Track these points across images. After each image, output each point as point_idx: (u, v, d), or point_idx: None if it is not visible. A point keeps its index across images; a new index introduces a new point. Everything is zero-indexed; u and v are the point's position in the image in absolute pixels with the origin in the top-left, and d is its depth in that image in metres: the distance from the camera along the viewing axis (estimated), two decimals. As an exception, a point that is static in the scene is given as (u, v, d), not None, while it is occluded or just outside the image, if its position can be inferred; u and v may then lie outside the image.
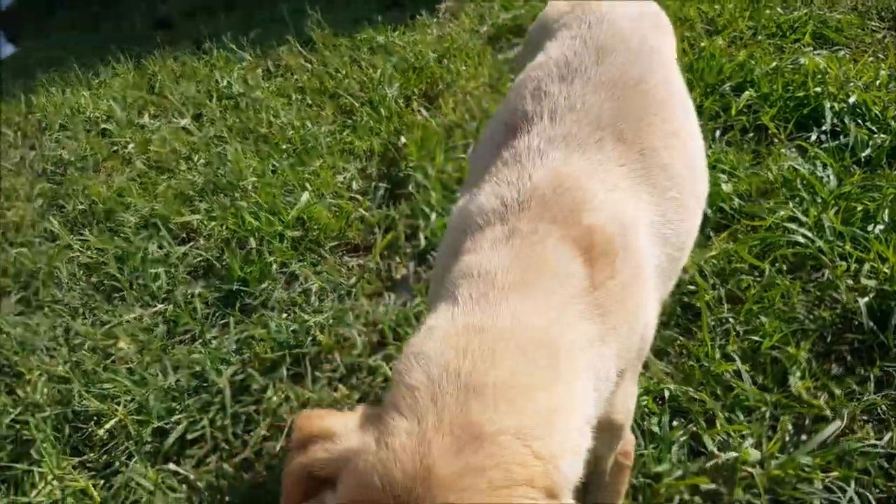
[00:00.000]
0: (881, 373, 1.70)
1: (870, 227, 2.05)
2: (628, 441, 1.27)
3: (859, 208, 2.13)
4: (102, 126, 3.33)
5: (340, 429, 0.73)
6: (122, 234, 2.47)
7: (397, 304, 2.10)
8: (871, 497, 1.44)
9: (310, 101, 3.43)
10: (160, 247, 2.38)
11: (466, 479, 0.65)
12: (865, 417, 1.63)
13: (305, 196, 2.51)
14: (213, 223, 2.46)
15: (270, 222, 2.39)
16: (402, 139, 2.92)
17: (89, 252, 2.41)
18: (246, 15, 4.76)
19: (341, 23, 4.30)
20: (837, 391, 1.66)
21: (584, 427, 0.79)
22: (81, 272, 2.34)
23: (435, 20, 4.29)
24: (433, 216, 2.42)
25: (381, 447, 0.68)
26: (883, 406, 1.63)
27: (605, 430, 0.94)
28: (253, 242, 2.30)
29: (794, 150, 2.51)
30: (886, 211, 2.07)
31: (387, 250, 2.35)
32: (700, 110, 2.78)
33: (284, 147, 2.96)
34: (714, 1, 3.76)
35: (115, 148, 3.13)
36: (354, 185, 2.71)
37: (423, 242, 2.35)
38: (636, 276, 0.94)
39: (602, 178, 0.98)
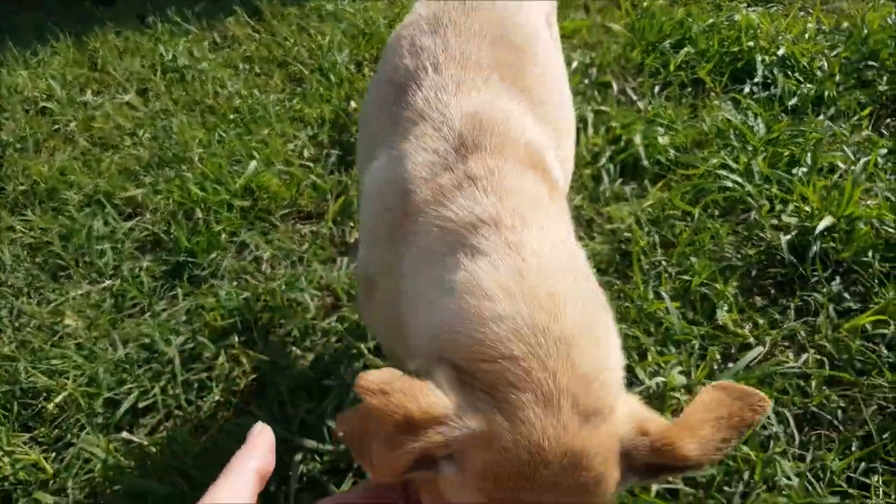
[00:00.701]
0: (801, 302, 1.78)
1: (794, 171, 2.13)
2: None
3: (786, 153, 2.21)
4: (42, 105, 3.26)
5: (444, 411, 0.70)
6: (65, 213, 2.44)
7: (351, 268, 2.12)
8: (788, 414, 1.53)
9: (258, 71, 3.40)
10: (105, 223, 2.37)
11: (595, 431, 0.70)
12: (786, 343, 1.72)
13: (253, 165, 2.51)
14: (159, 196, 2.46)
15: (217, 192, 2.39)
16: (353, 104, 2.92)
17: (32, 232, 2.38)
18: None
19: (286, -6, 4.25)
20: (761, 321, 1.75)
21: None
22: (25, 253, 2.32)
23: (382, -14, 4.27)
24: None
25: (517, 422, 0.68)
26: (802, 332, 1.72)
27: None
28: (200, 213, 2.30)
29: (728, 102, 2.58)
30: (809, 154, 2.15)
31: (339, 216, 2.36)
32: (640, 68, 2.83)
33: (232, 117, 2.94)
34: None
35: (57, 127, 3.07)
36: (305, 153, 2.71)
37: (371, 206, 2.37)
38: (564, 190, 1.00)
39: (507, 106, 1.02)
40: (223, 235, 2.24)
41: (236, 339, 1.88)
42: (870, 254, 1.85)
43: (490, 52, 1.10)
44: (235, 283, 2.09)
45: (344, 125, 2.79)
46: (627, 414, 0.73)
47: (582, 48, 3.12)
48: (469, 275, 0.81)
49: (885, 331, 1.65)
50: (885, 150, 2.22)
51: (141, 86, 3.35)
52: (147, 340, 1.91)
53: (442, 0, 1.21)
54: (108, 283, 2.16)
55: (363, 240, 1.13)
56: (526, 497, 0.67)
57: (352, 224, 2.30)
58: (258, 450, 0.68)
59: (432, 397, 0.70)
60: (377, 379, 0.69)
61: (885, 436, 1.47)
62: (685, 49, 2.82)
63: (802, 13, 3.22)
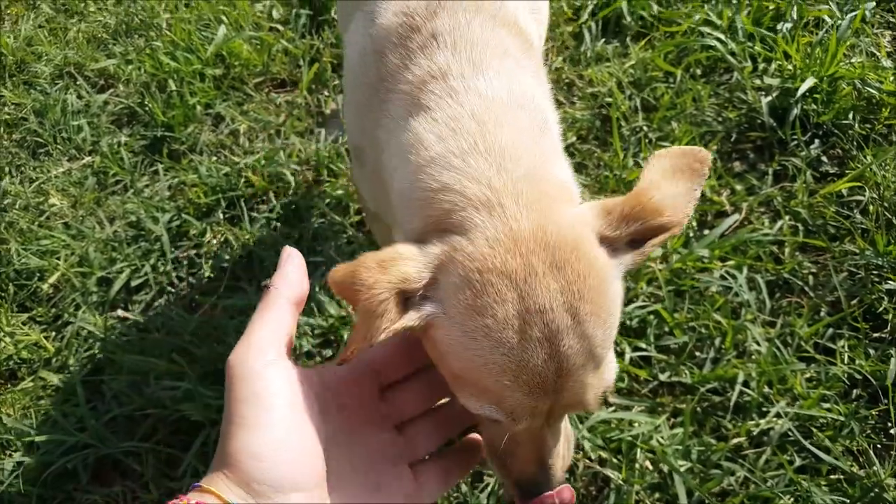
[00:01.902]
0: (779, 167, 1.75)
1: (779, 26, 2.01)
2: None
3: (771, 6, 2.07)
4: (-1, -33, 2.99)
5: (409, 251, 0.71)
6: (37, 87, 2.29)
7: (329, 140, 2.04)
8: (760, 280, 1.53)
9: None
10: (79, 97, 2.23)
11: (549, 212, 0.70)
12: (762, 209, 1.70)
13: (223, 30, 2.34)
14: (131, 67, 2.30)
15: (189, 61, 2.24)
16: (320, -41, 2.69)
17: (7, 109, 2.25)
18: None
19: None
20: (739, 187, 1.71)
21: None
22: (2, 130, 2.20)
23: None
24: (357, 43, 2.29)
25: (471, 232, 0.69)
26: (779, 197, 1.69)
27: None
28: (173, 85, 2.17)
29: (714, -52, 2.39)
30: (795, 8, 2.02)
31: (314, 84, 2.24)
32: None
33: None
34: None
35: (17, -10, 2.83)
36: (275, 14, 2.52)
37: (349, 72, 2.24)
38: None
39: None
40: (198, 108, 2.13)
41: (221, 216, 1.83)
42: (850, 115, 1.79)
43: None
44: (215, 157, 2.01)
45: (314, -18, 2.58)
46: (587, 205, 0.74)
47: None
48: (412, 134, 0.80)
49: (861, 197, 1.63)
50: (872, 4, 2.09)
51: (98, -58, 3.05)
52: (133, 218, 1.86)
53: None
54: (88, 159, 2.07)
55: (347, 111, 1.08)
56: (526, 300, 0.66)
57: (327, 93, 2.19)
58: (288, 277, 0.69)
59: (398, 248, 0.71)
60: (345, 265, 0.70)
61: (853, 302, 1.49)
62: None
63: None
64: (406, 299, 0.69)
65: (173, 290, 1.72)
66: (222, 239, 1.78)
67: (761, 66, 1.93)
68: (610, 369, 0.73)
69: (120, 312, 1.68)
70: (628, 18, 2.17)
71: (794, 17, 2.03)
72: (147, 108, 2.15)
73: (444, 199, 0.72)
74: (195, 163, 1.96)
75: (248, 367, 0.64)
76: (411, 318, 0.68)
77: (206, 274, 1.72)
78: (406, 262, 0.69)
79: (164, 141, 2.07)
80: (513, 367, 0.67)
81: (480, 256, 0.67)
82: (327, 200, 1.85)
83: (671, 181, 0.72)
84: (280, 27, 2.44)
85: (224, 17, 2.42)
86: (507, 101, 0.79)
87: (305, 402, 0.65)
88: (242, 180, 1.90)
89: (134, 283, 1.72)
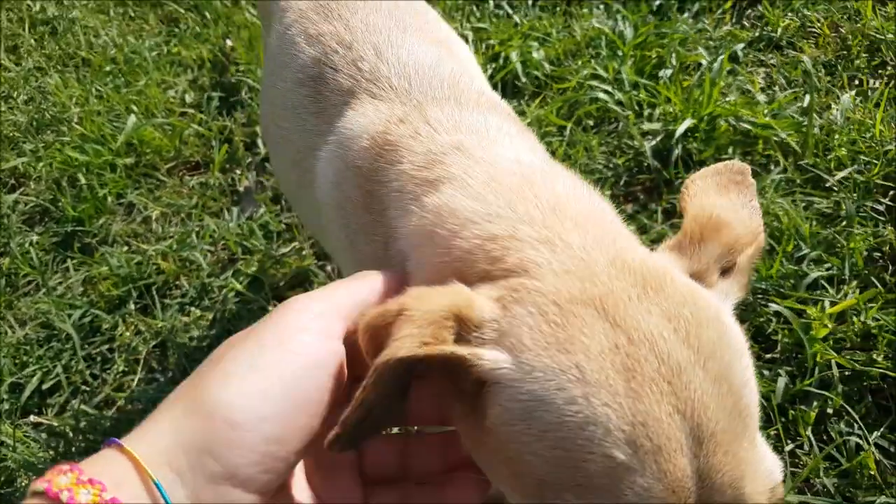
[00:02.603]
0: (668, 205, 1.80)
1: (661, 73, 2.11)
2: None
3: (653, 56, 2.17)
4: None
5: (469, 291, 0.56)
6: (-54, 192, 2.26)
7: (243, 218, 2.03)
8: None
9: (131, 14, 3.12)
10: (-11, 199, 2.20)
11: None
12: (655, 246, 1.74)
13: (132, 119, 2.34)
14: (41, 164, 2.28)
15: (99, 153, 2.23)
16: (230, 42, 2.73)
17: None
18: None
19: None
20: (632, 228, 1.75)
21: None
22: (-90, 239, 2.15)
23: None
24: (268, 121, 2.31)
25: (550, 259, 0.56)
26: (669, 234, 1.73)
27: None
28: (83, 178, 2.15)
29: (601, 6, 2.50)
30: (674, 55, 2.12)
31: (227, 163, 2.25)
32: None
33: (108, 69, 2.71)
34: None
35: (-73, 96, 2.79)
36: (187, 98, 2.54)
37: (262, 149, 2.26)
38: None
39: (437, 56, 0.95)
40: (109, 199, 2.11)
41: (132, 306, 1.80)
42: (730, 150, 1.87)
43: (391, 17, 1.01)
44: (126, 247, 1.99)
45: (223, 66, 2.61)
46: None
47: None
48: (434, 209, 0.67)
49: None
50: (742, 45, 2.20)
51: (10, 43, 3.04)
52: (44, 319, 1.82)
53: None
54: (-2, 262, 2.02)
55: (340, 259, 0.99)
56: (624, 326, 0.50)
57: (240, 171, 2.19)
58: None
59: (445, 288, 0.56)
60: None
61: (744, 325, 1.53)
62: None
63: None
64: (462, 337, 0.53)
65: (87, 389, 1.68)
66: (134, 330, 1.75)
67: (646, 112, 2.01)
68: (769, 454, 0.52)
69: (33, 418, 1.62)
70: (523, 79, 2.24)
71: (674, 63, 2.12)
72: (59, 205, 2.12)
73: (492, 247, 0.59)
74: (106, 255, 1.93)
75: (289, 307, 0.54)
76: (473, 353, 0.51)
77: (120, 368, 1.69)
78: (462, 293, 0.55)
79: (75, 236, 2.04)
80: (624, 426, 0.47)
81: (553, 289, 0.52)
82: (241, 279, 1.84)
83: (722, 196, 0.64)
84: (193, 111, 2.45)
85: (135, 107, 2.43)
86: (539, 164, 0.72)
87: (325, 371, 0.52)
88: (154, 267, 1.88)
89: (46, 386, 1.67)
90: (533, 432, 0.49)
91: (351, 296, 0.57)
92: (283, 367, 0.50)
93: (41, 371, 1.68)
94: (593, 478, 0.46)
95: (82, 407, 1.60)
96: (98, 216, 2.06)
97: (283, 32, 1.11)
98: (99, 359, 1.71)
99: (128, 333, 1.74)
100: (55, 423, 1.60)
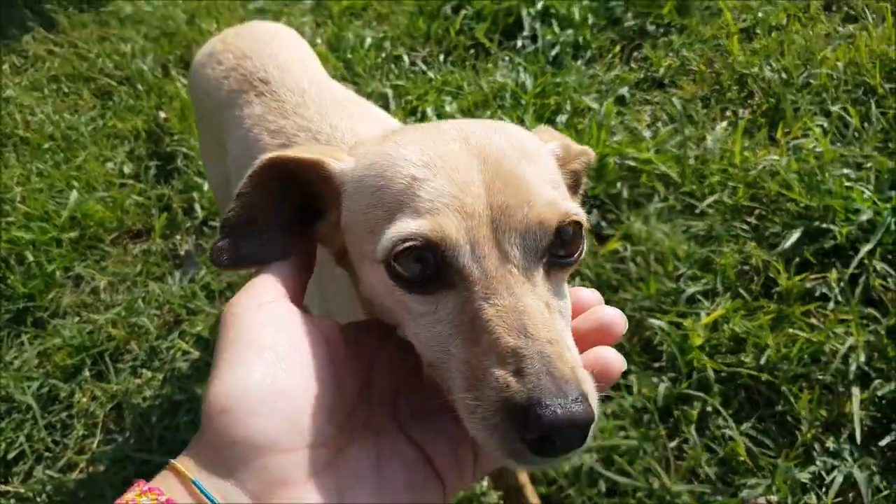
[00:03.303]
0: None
1: (558, 118, 2.34)
2: None
3: (552, 103, 2.41)
4: None
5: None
6: None
7: (184, 281, 2.17)
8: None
9: (66, 90, 3.24)
10: (-61, 283, 2.29)
11: None
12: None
13: (74, 195, 2.46)
14: (-12, 244, 2.38)
15: (44, 230, 2.34)
16: (163, 114, 2.87)
17: None
18: (-21, 3, 4.28)
19: (83, -3, 4.00)
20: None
21: None
22: None
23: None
24: (206, 185, 2.46)
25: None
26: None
27: None
28: (31, 256, 2.26)
29: (506, 58, 2.74)
30: (569, 102, 2.36)
31: (167, 229, 2.38)
32: (427, 36, 2.93)
33: (47, 146, 2.82)
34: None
35: None
36: (126, 170, 2.67)
37: (200, 214, 2.40)
38: None
39: None
40: (58, 273, 2.22)
41: (87, 373, 1.92)
42: (618, 184, 2.10)
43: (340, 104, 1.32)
44: (78, 318, 2.10)
45: (158, 136, 2.75)
46: None
47: (374, 22, 3.18)
48: None
49: (626, 253, 1.91)
50: (626, 88, 2.46)
51: (-55, 127, 3.13)
52: (4, 392, 1.92)
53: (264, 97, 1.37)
54: (-47, 343, 2.11)
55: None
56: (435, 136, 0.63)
57: (180, 236, 2.33)
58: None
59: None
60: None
61: (634, 340, 1.75)
62: (463, 11, 2.94)
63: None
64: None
65: (50, 455, 1.79)
66: (91, 396, 1.87)
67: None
68: (566, 199, 0.62)
69: (0, 487, 1.73)
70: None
71: (569, 109, 2.36)
72: (8, 282, 2.22)
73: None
74: (59, 327, 2.05)
75: (237, 309, 0.55)
76: (327, 159, 0.66)
77: (80, 433, 1.80)
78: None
79: (27, 311, 2.15)
80: (423, 157, 0.59)
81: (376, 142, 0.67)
82: (188, 339, 1.98)
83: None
84: (132, 182, 2.58)
85: (76, 182, 2.55)
86: None
87: (305, 347, 0.54)
88: (105, 335, 2.00)
89: (11, 455, 1.78)
90: (365, 195, 0.62)
91: (278, 275, 0.60)
92: (260, 348, 0.53)
93: (5, 442, 1.79)
94: (399, 195, 0.58)
95: (47, 472, 1.72)
96: (48, 290, 2.17)
97: (245, 136, 1.33)
98: (59, 425, 1.83)
99: (85, 399, 1.86)
100: (22, 490, 1.71)
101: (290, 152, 0.66)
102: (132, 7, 3.77)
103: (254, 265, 0.65)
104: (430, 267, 0.57)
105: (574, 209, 0.61)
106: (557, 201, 0.60)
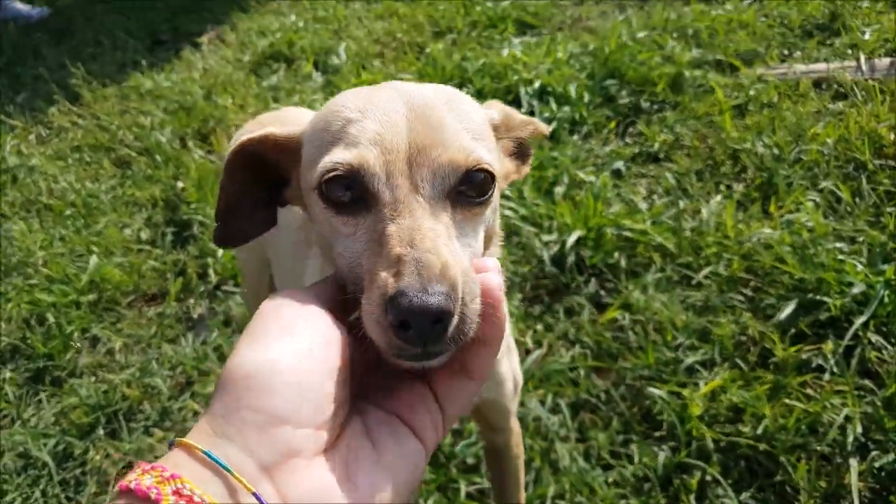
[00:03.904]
0: (568, 304, 2.08)
1: (556, 190, 2.43)
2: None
3: (549, 176, 2.51)
4: None
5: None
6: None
7: (196, 343, 2.23)
8: (563, 404, 1.81)
9: (87, 159, 3.38)
10: (-39, 342, 2.35)
11: None
12: (561, 342, 2.00)
13: (94, 259, 2.54)
14: (10, 305, 2.45)
15: (65, 293, 2.41)
16: (180, 184, 2.98)
17: None
18: (11, 76, 4.48)
19: (108, 72, 4.19)
20: (539, 327, 2.02)
21: None
22: None
23: (199, 54, 4.29)
24: (220, 252, 2.54)
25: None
26: (571, 330, 2.00)
27: None
28: (51, 317, 2.33)
29: (504, 131, 2.86)
30: (566, 175, 2.46)
31: (182, 293, 2.45)
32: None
33: (69, 213, 2.93)
34: (435, 4, 4.06)
35: None
36: (143, 236, 2.76)
37: (214, 278, 2.47)
38: None
39: None
40: (76, 334, 2.28)
41: (101, 432, 1.95)
42: (615, 254, 2.17)
43: None
44: (94, 378, 2.15)
45: (175, 204, 2.85)
46: None
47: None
48: None
49: (625, 322, 1.97)
50: (622, 162, 2.56)
51: (-27, 192, 3.24)
52: (21, 449, 1.95)
53: None
54: (-28, 402, 2.16)
55: None
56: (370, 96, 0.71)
57: (193, 300, 2.40)
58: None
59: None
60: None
61: (634, 409, 1.78)
62: (464, 89, 3.08)
63: (559, 34, 3.57)
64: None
65: (61, 512, 1.81)
66: (104, 454, 1.90)
67: (545, 224, 2.31)
68: (480, 146, 0.70)
69: (11, 544, 1.74)
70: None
71: (566, 181, 2.46)
72: (28, 342, 2.28)
73: None
74: (76, 386, 2.09)
75: (273, 303, 0.59)
76: (287, 131, 0.76)
77: (92, 490, 1.83)
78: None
79: (46, 370, 2.19)
80: (358, 104, 0.69)
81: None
82: (199, 399, 2.02)
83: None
84: (149, 247, 2.67)
85: (95, 247, 2.64)
86: None
87: (329, 344, 0.57)
88: (119, 395, 2.04)
89: (23, 512, 1.80)
90: (312, 143, 0.71)
91: (314, 291, 0.64)
92: (283, 332, 0.57)
93: (21, 497, 1.81)
94: (334, 134, 0.68)
95: (57, 531, 1.73)
96: (66, 351, 2.22)
97: None
98: (73, 482, 1.85)
99: (98, 457, 1.88)
100: (32, 549, 1.72)
101: (245, 136, 0.77)
102: (152, 83, 3.95)
103: (243, 240, 0.80)
104: (354, 192, 0.66)
105: (486, 158, 0.69)
106: (470, 148, 0.68)
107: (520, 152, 0.90)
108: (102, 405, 2.01)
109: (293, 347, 0.54)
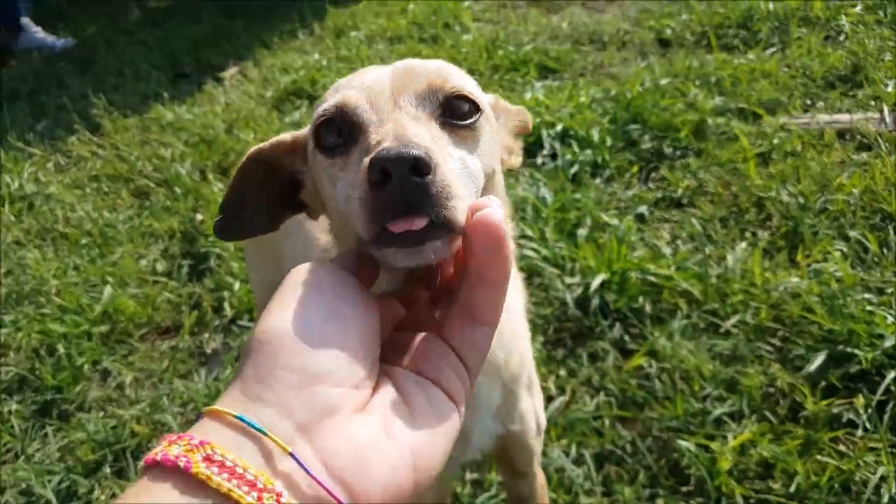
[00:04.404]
0: (592, 349, 2.03)
1: (579, 232, 2.41)
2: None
3: (571, 218, 2.49)
4: None
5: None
6: (-73, 366, 2.37)
7: (209, 379, 2.19)
8: (587, 455, 1.75)
9: (105, 189, 3.38)
10: (-31, 371, 2.32)
11: None
12: (584, 388, 1.95)
13: (108, 290, 2.52)
14: (21, 334, 2.42)
15: (77, 323, 2.39)
16: (199, 216, 2.98)
17: None
18: (33, 104, 4.53)
19: (130, 103, 4.23)
20: (562, 372, 1.98)
21: None
22: None
23: (221, 89, 4.33)
24: (237, 285, 2.52)
25: None
26: (595, 376, 1.96)
27: None
28: (62, 348, 2.30)
29: (525, 173, 2.85)
30: (588, 217, 2.44)
31: (196, 327, 2.42)
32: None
33: (84, 242, 2.92)
34: (458, 47, 4.11)
35: None
36: (158, 267, 2.74)
37: (229, 313, 2.44)
38: None
39: None
40: (86, 366, 2.25)
41: (108, 469, 1.91)
42: (640, 299, 2.13)
43: None
44: (102, 412, 2.11)
45: (193, 237, 2.84)
46: None
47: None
48: None
49: (651, 370, 1.92)
50: (645, 207, 2.54)
51: (-10, 219, 3.25)
52: (24, 485, 1.90)
53: None
54: (-24, 433, 2.11)
55: None
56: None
57: (208, 335, 2.37)
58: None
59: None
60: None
61: (661, 462, 1.72)
62: (487, 130, 3.09)
63: (581, 79, 3.60)
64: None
65: (63, 552, 1.75)
66: (110, 493, 1.85)
67: (568, 266, 2.28)
68: (467, 83, 0.77)
69: (9, 585, 1.68)
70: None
71: (588, 223, 2.44)
72: (37, 373, 2.25)
73: None
74: (84, 421, 2.05)
75: (303, 267, 0.59)
76: (294, 135, 0.83)
77: (96, 530, 1.78)
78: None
79: (53, 403, 2.16)
80: (350, 80, 0.76)
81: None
82: (210, 438, 1.97)
83: None
84: (164, 279, 2.65)
85: (110, 278, 2.62)
86: None
87: (360, 306, 0.57)
88: (128, 431, 2.00)
89: (24, 552, 1.74)
90: (313, 118, 0.75)
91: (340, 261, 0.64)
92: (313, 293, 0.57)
93: (19, 538, 1.76)
94: (326, 99, 0.73)
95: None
96: (75, 383, 2.19)
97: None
98: (75, 523, 1.80)
99: (103, 497, 1.83)
100: (31, 591, 1.66)
101: (264, 144, 0.83)
102: (173, 115, 3.98)
103: (241, 236, 0.87)
104: (344, 134, 0.71)
105: (468, 87, 0.74)
106: (451, 76, 0.73)
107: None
108: (110, 441, 1.97)
109: (322, 309, 0.55)
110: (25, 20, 5.49)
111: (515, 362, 1.05)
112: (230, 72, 4.59)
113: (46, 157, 3.77)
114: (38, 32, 5.51)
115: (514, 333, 1.04)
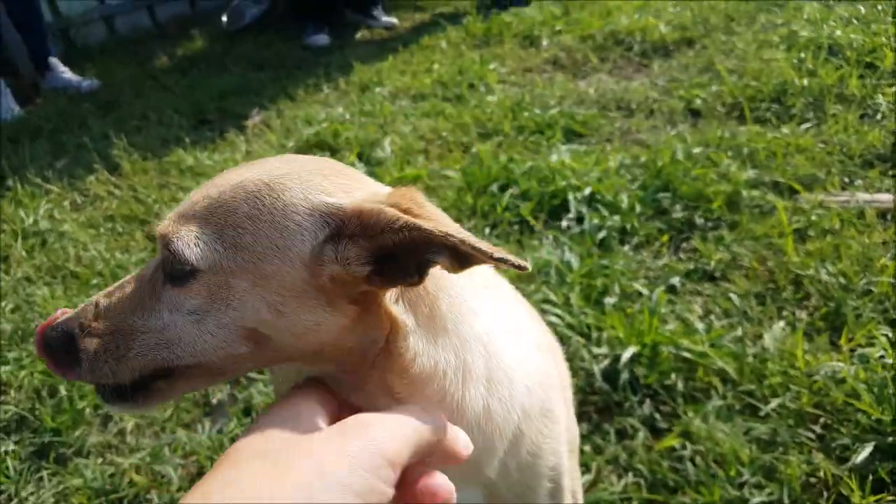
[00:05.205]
0: (619, 426, 1.97)
1: (606, 300, 2.37)
2: None
3: (598, 285, 2.45)
4: None
5: None
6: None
7: (213, 431, 2.13)
8: (616, 543, 1.67)
9: (120, 230, 3.40)
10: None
11: None
12: (611, 467, 1.88)
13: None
14: (23, 373, 2.39)
15: (82, 366, 2.35)
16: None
17: None
18: (54, 142, 4.61)
19: (151, 146, 4.30)
20: (587, 448, 1.91)
21: None
22: None
23: (243, 137, 4.40)
24: (246, 334, 2.48)
25: None
26: (623, 455, 1.89)
27: None
28: (64, 389, 2.26)
29: (549, 236, 2.84)
30: (616, 285, 2.41)
31: (202, 375, 2.38)
32: (474, 210, 3.07)
33: (95, 282, 2.91)
34: (482, 107, 4.17)
35: (-88, 303, 2.93)
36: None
37: (237, 362, 2.40)
38: None
39: None
40: (87, 410, 2.20)
41: (102, 522, 1.84)
42: (672, 375, 2.08)
43: None
44: (101, 459, 2.05)
45: (208, 282, 2.83)
46: None
47: (423, 193, 3.36)
48: None
49: (684, 452, 1.85)
50: (677, 278, 2.51)
51: (1, 253, 3.26)
52: (11, 535, 1.84)
53: None
54: (-32, 474, 2.06)
55: None
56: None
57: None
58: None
59: None
60: None
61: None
62: (509, 191, 3.10)
63: (610, 146, 3.62)
64: None
65: None
66: (102, 547, 1.78)
67: (594, 335, 2.24)
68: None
69: None
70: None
71: (617, 292, 2.41)
72: (37, 414, 2.20)
73: None
74: (81, 466, 2.00)
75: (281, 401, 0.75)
76: None
77: (83, 588, 1.70)
78: None
79: (51, 446, 2.10)
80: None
81: None
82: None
83: None
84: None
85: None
86: None
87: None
88: (126, 481, 1.94)
89: None
90: None
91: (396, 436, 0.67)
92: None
93: (1, 593, 1.68)
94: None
95: None
96: (75, 427, 2.14)
97: None
98: (62, 579, 1.73)
99: (94, 551, 1.77)
100: None
101: None
102: (194, 160, 4.03)
103: None
104: None
105: (178, 245, 0.76)
106: (179, 228, 0.77)
107: (403, 264, 0.75)
108: (107, 490, 1.91)
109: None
110: (54, 60, 5.65)
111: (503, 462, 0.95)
112: (253, 120, 4.67)
113: (63, 195, 3.81)
114: (66, 72, 5.67)
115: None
